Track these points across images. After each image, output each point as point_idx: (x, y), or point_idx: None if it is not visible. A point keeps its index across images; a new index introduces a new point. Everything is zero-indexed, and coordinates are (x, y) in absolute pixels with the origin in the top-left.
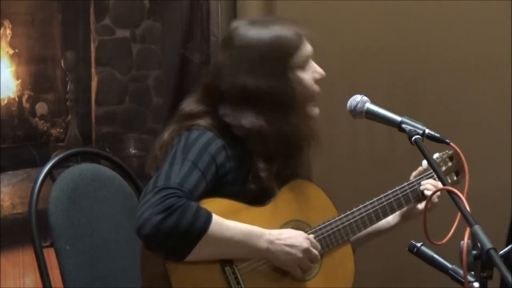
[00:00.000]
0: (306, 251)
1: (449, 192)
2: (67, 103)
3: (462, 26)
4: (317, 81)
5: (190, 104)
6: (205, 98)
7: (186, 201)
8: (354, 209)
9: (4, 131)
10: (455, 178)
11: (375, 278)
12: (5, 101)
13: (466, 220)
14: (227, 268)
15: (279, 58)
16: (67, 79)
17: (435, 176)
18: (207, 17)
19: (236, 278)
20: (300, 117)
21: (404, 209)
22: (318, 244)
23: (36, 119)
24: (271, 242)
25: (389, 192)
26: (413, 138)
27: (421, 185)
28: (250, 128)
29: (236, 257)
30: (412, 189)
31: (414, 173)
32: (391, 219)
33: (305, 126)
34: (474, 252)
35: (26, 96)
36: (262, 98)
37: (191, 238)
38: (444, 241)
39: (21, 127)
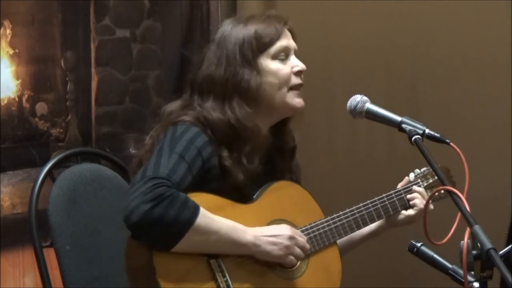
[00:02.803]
0: (291, 237)
1: (449, 192)
2: (67, 103)
3: (462, 26)
4: (296, 73)
5: (172, 104)
6: (186, 94)
7: (175, 191)
8: (341, 213)
9: (4, 131)
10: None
11: (375, 278)
12: (5, 101)
13: (466, 220)
14: (212, 261)
15: (243, 48)
16: (67, 79)
17: (422, 186)
18: (207, 17)
19: (221, 271)
20: (247, 106)
21: (390, 222)
22: (302, 234)
23: (36, 119)
24: (255, 236)
25: (376, 198)
26: (413, 138)
27: (409, 193)
28: (206, 116)
29: (222, 252)
30: (399, 197)
31: (400, 183)
32: (374, 225)
33: (249, 116)
34: (474, 252)
35: (26, 96)
36: (222, 87)
37: (179, 228)
38: (444, 241)
39: (21, 127)
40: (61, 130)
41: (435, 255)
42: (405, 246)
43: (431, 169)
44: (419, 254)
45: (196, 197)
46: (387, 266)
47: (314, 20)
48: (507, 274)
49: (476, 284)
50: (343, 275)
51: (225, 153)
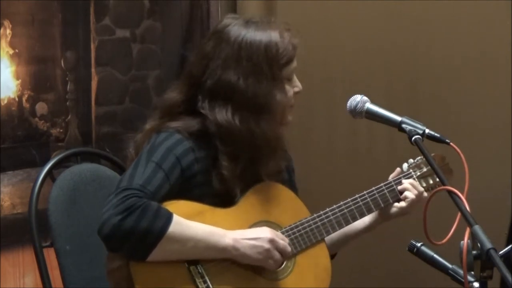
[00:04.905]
0: (272, 240)
1: (449, 192)
2: (67, 103)
3: (462, 26)
4: (295, 94)
5: (171, 93)
6: (187, 86)
7: (146, 201)
8: (327, 209)
9: (4, 131)
10: (437, 180)
11: (375, 278)
12: (5, 101)
13: (466, 220)
14: (192, 268)
15: (272, 65)
16: (67, 79)
17: (414, 177)
18: (207, 17)
19: (202, 277)
20: (272, 123)
21: (383, 215)
22: (283, 236)
23: (36, 119)
24: (235, 239)
25: (365, 192)
26: (413, 138)
27: (400, 185)
28: (223, 124)
29: (201, 257)
30: (389, 189)
31: (392, 175)
32: (367, 219)
33: (275, 132)
34: (474, 252)
35: (26, 96)
36: (243, 98)
37: (151, 238)
38: (444, 241)
39: (21, 127)
40: (61, 130)
41: (435, 255)
42: (405, 246)
43: (424, 159)
44: (419, 254)
45: (174, 205)
46: (387, 266)
47: (314, 20)
48: (507, 274)
49: (476, 284)
50: (343, 275)
51: (225, 163)
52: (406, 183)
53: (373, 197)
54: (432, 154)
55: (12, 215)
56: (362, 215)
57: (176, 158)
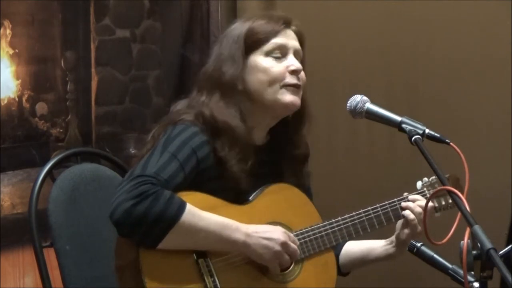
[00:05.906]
0: (284, 244)
1: (449, 192)
2: (67, 103)
3: (462, 26)
4: (291, 72)
5: (179, 103)
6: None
7: (159, 188)
8: (340, 218)
9: (4, 131)
10: (449, 201)
11: (375, 278)
12: (5, 101)
13: (466, 220)
14: (200, 261)
15: (236, 45)
16: (67, 79)
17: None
18: (207, 17)
19: (209, 271)
20: (258, 100)
21: (398, 240)
22: (296, 239)
23: (36, 119)
24: (248, 235)
25: (378, 205)
26: (413, 138)
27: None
28: (201, 111)
29: (211, 249)
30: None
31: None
32: (391, 249)
33: (267, 109)
34: (474, 252)
35: (26, 96)
36: (207, 82)
37: (163, 225)
38: (444, 241)
39: (21, 127)
40: (61, 130)
41: (435, 255)
42: None
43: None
44: (419, 254)
45: (189, 196)
46: (387, 266)
47: (314, 20)
48: (507, 274)
49: (476, 284)
50: None
51: (219, 145)
52: (412, 198)
53: (385, 210)
54: (447, 175)
55: (12, 215)
56: (372, 227)
57: (192, 149)
